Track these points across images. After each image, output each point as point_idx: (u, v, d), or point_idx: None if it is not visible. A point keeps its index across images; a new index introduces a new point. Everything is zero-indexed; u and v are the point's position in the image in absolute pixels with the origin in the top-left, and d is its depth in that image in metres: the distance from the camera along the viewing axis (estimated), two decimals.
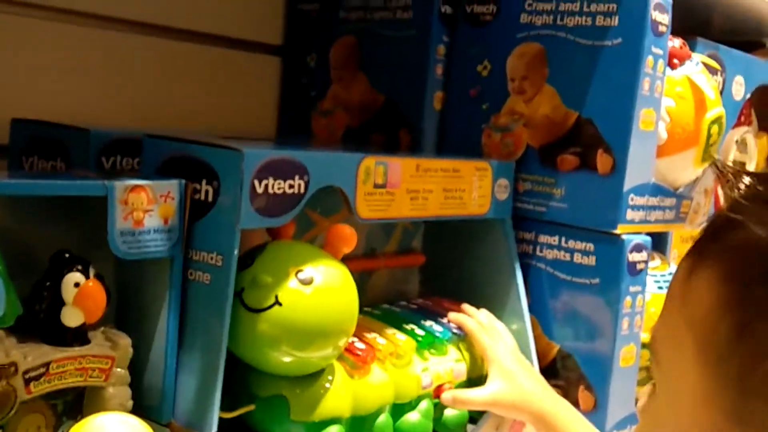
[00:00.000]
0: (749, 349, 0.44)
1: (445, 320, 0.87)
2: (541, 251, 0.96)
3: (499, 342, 0.85)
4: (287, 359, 0.68)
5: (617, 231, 0.90)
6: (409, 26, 1.01)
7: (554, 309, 0.95)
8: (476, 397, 0.81)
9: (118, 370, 0.64)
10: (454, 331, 0.86)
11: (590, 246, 0.92)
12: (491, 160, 0.92)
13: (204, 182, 0.67)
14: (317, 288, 0.68)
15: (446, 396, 0.81)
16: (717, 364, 0.46)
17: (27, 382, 0.59)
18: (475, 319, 0.87)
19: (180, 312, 0.68)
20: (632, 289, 0.92)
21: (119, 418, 0.57)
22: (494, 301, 0.94)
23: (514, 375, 0.82)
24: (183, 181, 0.67)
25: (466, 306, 0.89)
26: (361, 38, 1.06)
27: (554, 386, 0.92)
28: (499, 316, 0.92)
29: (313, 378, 0.71)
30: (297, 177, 0.70)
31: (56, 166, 0.76)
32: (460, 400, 0.81)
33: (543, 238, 0.96)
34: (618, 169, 0.90)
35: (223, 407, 0.67)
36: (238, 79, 1.09)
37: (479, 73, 1.00)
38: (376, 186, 0.78)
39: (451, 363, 0.84)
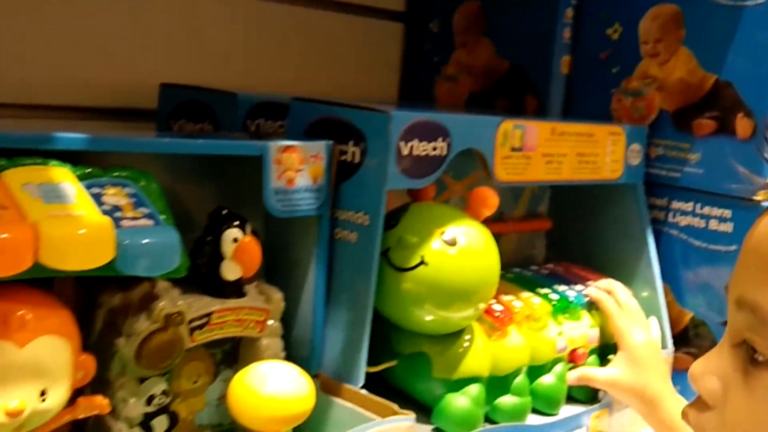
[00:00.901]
0: None
1: (578, 286, 0.86)
2: (673, 217, 0.93)
3: (634, 328, 0.84)
4: (430, 318, 0.69)
5: (757, 197, 0.87)
6: None
7: (687, 276, 0.92)
8: (597, 376, 0.81)
9: (272, 322, 0.66)
10: (588, 298, 0.85)
11: (727, 212, 0.89)
12: (624, 125, 0.90)
13: (351, 144, 0.68)
14: (461, 249, 0.69)
15: (571, 375, 0.81)
16: None
17: (191, 330, 0.61)
18: (614, 295, 0.86)
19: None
20: None
21: (281, 366, 0.59)
22: (624, 268, 0.92)
23: (640, 365, 0.81)
24: (331, 143, 0.68)
25: (603, 281, 0.88)
26: (485, 3, 1.05)
27: (686, 354, 0.91)
28: (629, 283, 0.90)
29: (453, 337, 0.72)
30: (440, 139, 0.70)
31: (204, 128, 0.79)
32: (583, 378, 0.81)
33: (676, 204, 0.93)
34: (758, 134, 0.87)
35: (367, 363, 0.68)
36: (362, 45, 1.10)
37: (609, 36, 0.98)
38: (513, 149, 0.77)
39: (585, 328, 0.83)
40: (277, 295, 0.66)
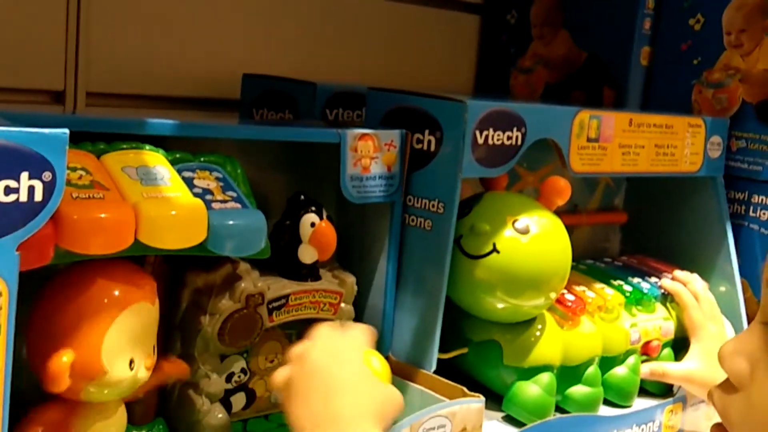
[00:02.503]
0: None
1: (653, 279, 0.87)
2: (754, 212, 0.93)
3: (709, 321, 0.84)
4: (501, 306, 0.71)
5: None
6: None
7: None
8: (672, 371, 0.81)
9: (344, 305, 0.70)
10: (662, 290, 0.85)
11: None
12: (705, 117, 0.90)
13: (426, 132, 0.71)
14: (533, 237, 0.71)
15: (644, 369, 0.82)
16: None
17: (270, 311, 0.65)
18: (690, 288, 0.86)
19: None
20: None
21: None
22: (701, 263, 0.92)
23: (714, 358, 0.81)
24: (404, 131, 0.71)
25: (679, 273, 0.88)
26: None
27: None
28: (707, 278, 0.90)
29: (525, 325, 0.74)
30: (515, 129, 0.72)
31: (284, 117, 0.82)
32: (657, 373, 0.82)
33: (757, 198, 0.93)
34: None
35: (438, 350, 0.71)
36: (439, 37, 1.13)
37: (691, 26, 0.98)
38: (589, 140, 0.78)
39: (659, 321, 0.84)
40: (350, 279, 0.70)
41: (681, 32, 0.98)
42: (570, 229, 0.76)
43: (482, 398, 0.62)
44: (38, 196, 0.44)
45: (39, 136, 0.44)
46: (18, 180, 0.44)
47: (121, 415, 0.57)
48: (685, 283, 0.86)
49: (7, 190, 0.43)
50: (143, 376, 0.55)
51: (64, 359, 0.50)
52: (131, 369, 0.53)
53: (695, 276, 0.88)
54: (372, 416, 0.51)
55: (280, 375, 0.56)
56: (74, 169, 0.52)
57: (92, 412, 0.55)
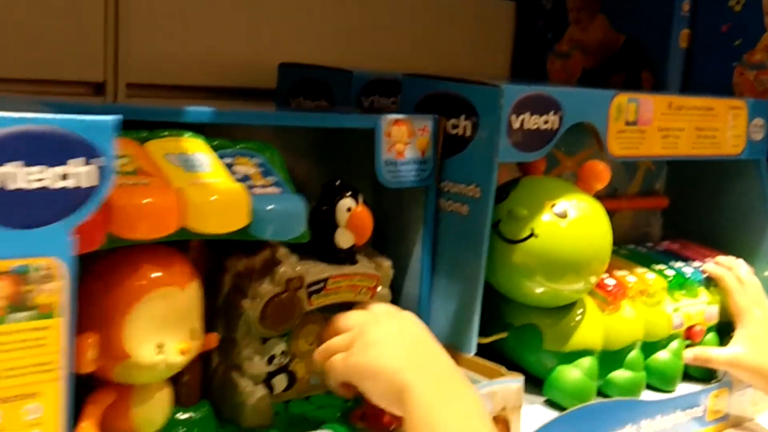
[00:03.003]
0: None
1: (696, 263, 0.86)
2: None
3: (754, 306, 0.83)
4: (540, 290, 0.72)
5: None
6: None
7: None
8: (717, 356, 0.81)
9: (382, 289, 0.70)
10: (705, 274, 0.85)
11: None
12: (746, 98, 0.89)
13: (462, 117, 0.71)
14: (572, 221, 0.71)
15: (688, 354, 0.81)
16: None
17: (309, 295, 0.66)
18: (734, 272, 0.86)
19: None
20: None
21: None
22: (745, 247, 0.92)
23: (761, 342, 0.80)
24: (437, 116, 0.71)
25: (723, 258, 0.88)
26: None
27: None
28: (750, 262, 0.89)
29: (564, 310, 0.74)
30: (552, 113, 0.72)
31: (320, 105, 0.84)
32: (701, 359, 0.81)
33: None
34: None
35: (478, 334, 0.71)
36: (474, 23, 1.13)
37: (731, 8, 0.97)
38: (627, 123, 0.78)
39: (703, 305, 0.83)
40: (387, 263, 0.70)
41: (721, 13, 0.97)
42: (610, 214, 0.76)
43: (521, 377, 0.62)
44: (89, 182, 0.46)
45: (90, 122, 0.46)
46: (70, 166, 0.45)
47: (169, 393, 0.58)
48: (729, 268, 0.86)
49: (60, 177, 0.45)
50: (177, 361, 0.55)
51: (88, 341, 0.51)
52: (161, 353, 0.54)
53: (740, 261, 0.87)
54: None
55: (348, 319, 0.59)
56: (120, 157, 0.54)
57: (146, 392, 0.56)
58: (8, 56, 0.77)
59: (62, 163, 0.45)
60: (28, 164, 0.44)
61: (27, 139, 0.44)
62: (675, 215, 0.99)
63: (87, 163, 0.46)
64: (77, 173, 0.45)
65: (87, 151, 0.46)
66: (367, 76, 0.83)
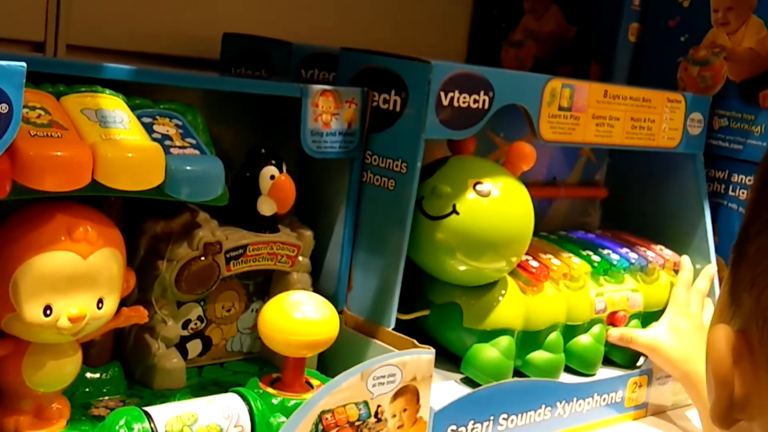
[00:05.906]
0: None
1: (623, 250, 0.89)
2: (733, 191, 0.95)
3: (692, 304, 0.87)
4: (462, 268, 0.74)
5: None
6: None
7: None
8: (638, 337, 0.84)
9: (302, 258, 0.73)
10: (632, 261, 0.88)
11: None
12: (685, 93, 0.92)
13: (393, 92, 0.73)
14: (494, 200, 0.73)
15: (613, 333, 0.84)
16: None
17: (228, 260, 0.69)
18: (702, 274, 0.91)
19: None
20: None
21: (310, 295, 0.65)
22: (679, 240, 0.95)
23: (686, 336, 0.83)
24: (365, 89, 0.74)
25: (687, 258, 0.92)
26: None
27: None
28: (684, 255, 0.92)
29: (486, 289, 0.77)
30: (482, 92, 0.75)
31: (260, 75, 0.85)
32: (626, 338, 0.84)
33: (737, 178, 0.95)
34: None
35: (399, 311, 0.73)
36: (430, 8, 1.15)
37: (680, 3, 1.00)
38: (560, 108, 0.81)
39: (627, 292, 0.86)
40: (308, 233, 0.73)
41: (670, 8, 1.00)
42: (548, 201, 0.79)
43: (432, 350, 0.64)
44: None
45: None
46: None
47: (76, 356, 0.59)
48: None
49: None
50: (65, 326, 0.54)
51: None
52: (46, 316, 0.54)
53: (713, 270, 0.92)
54: None
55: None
56: (33, 108, 0.56)
57: (43, 351, 0.56)
58: None
59: None
60: None
61: None
62: (613, 206, 1.02)
63: None
64: None
65: None
66: (307, 49, 0.85)
